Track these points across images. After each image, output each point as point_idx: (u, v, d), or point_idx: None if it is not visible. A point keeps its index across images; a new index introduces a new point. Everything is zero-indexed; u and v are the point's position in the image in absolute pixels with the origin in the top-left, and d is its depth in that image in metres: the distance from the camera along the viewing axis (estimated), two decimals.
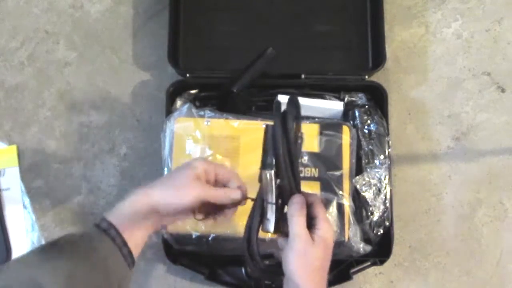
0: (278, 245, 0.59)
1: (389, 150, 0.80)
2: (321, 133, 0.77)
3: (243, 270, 0.80)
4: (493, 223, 0.85)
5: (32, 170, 0.87)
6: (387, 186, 0.78)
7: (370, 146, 0.79)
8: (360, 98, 0.83)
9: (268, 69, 0.81)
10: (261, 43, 0.81)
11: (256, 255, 0.56)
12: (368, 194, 0.77)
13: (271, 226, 0.56)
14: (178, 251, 0.78)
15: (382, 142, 0.80)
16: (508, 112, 0.89)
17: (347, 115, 0.82)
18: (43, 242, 0.85)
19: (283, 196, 0.56)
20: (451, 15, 0.92)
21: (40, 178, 0.87)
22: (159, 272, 0.84)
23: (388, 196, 0.78)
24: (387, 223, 0.78)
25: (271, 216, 0.56)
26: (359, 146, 0.79)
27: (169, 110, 0.81)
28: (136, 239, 0.55)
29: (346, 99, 0.84)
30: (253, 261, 0.57)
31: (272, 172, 0.54)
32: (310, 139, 0.77)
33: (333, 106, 0.82)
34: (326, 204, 0.75)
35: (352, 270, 0.77)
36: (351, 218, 0.75)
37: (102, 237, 0.53)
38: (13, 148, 0.88)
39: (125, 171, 0.87)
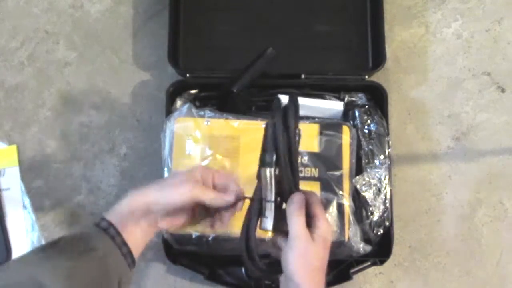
0: (276, 245, 0.59)
1: (389, 150, 0.80)
2: (321, 133, 0.77)
3: (243, 270, 0.80)
4: (493, 223, 0.85)
5: (32, 170, 0.87)
6: (387, 186, 0.78)
7: (370, 146, 0.79)
8: (360, 98, 0.83)
9: (268, 69, 0.81)
10: (261, 43, 0.81)
11: (255, 254, 0.56)
12: (368, 194, 0.77)
13: (269, 224, 0.55)
14: (178, 251, 0.78)
15: (382, 142, 0.80)
16: (508, 112, 0.89)
17: (347, 115, 0.82)
18: (43, 242, 0.85)
19: (282, 194, 0.56)
20: (451, 15, 0.92)
21: (40, 178, 0.87)
22: (159, 272, 0.84)
23: (388, 196, 0.78)
24: (387, 223, 0.78)
25: (269, 214, 0.55)
26: (359, 146, 0.79)
27: (169, 110, 0.81)
28: (136, 239, 0.55)
29: (346, 99, 0.84)
30: (251, 260, 0.57)
31: (272, 169, 0.54)
32: (310, 139, 0.77)
33: (333, 106, 0.82)
34: (326, 204, 0.75)
35: (352, 270, 0.77)
36: (351, 218, 0.75)
37: (101, 236, 0.53)
38: (13, 148, 0.88)
39: (125, 171, 0.87)
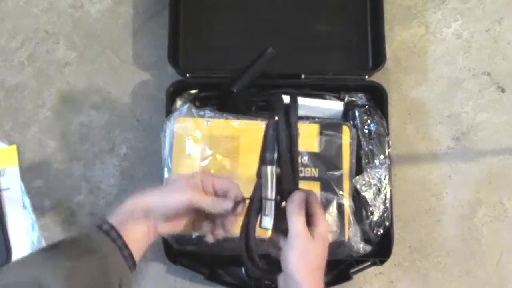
0: (275, 244, 0.59)
1: (389, 150, 0.80)
2: (321, 133, 0.77)
3: (243, 270, 0.80)
4: (493, 223, 0.85)
5: (32, 170, 0.87)
6: (387, 186, 0.78)
7: (370, 146, 0.79)
8: (360, 98, 0.83)
9: (268, 69, 0.81)
10: (261, 43, 0.81)
11: (255, 254, 0.56)
12: (368, 194, 0.77)
13: (269, 223, 0.55)
14: (178, 251, 0.78)
15: (382, 142, 0.80)
16: (508, 112, 0.89)
17: (347, 115, 0.82)
18: (43, 242, 0.85)
19: (282, 193, 0.56)
20: (451, 15, 0.92)
21: (40, 178, 0.87)
22: (159, 272, 0.84)
23: (388, 196, 0.78)
24: (387, 223, 0.77)
25: (269, 212, 0.55)
26: (359, 146, 0.79)
27: (169, 110, 0.81)
28: (137, 242, 0.56)
29: (346, 99, 0.83)
30: (251, 260, 0.57)
31: (274, 167, 0.54)
32: (310, 139, 0.77)
33: (333, 106, 0.82)
34: (326, 204, 0.74)
35: (352, 270, 0.77)
36: (351, 218, 0.75)
37: (103, 238, 0.53)
38: (13, 148, 0.88)
39: (125, 171, 0.87)
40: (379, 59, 0.84)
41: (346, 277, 0.78)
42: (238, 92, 0.80)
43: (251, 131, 0.77)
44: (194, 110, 0.78)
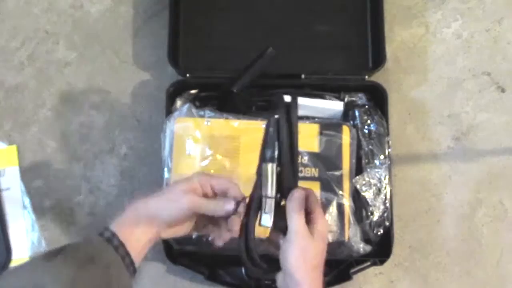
0: (274, 242, 0.59)
1: (389, 150, 0.80)
2: (321, 133, 0.77)
3: (243, 270, 0.80)
4: (493, 223, 0.85)
5: (32, 170, 0.87)
6: (387, 186, 0.78)
7: (370, 146, 0.79)
8: (360, 98, 0.83)
9: (268, 69, 0.81)
10: (261, 43, 0.81)
11: (254, 252, 0.56)
12: (368, 194, 0.77)
13: (269, 220, 0.55)
14: (178, 251, 0.78)
15: (382, 142, 0.80)
16: (508, 112, 0.89)
17: (347, 115, 0.82)
18: (43, 242, 0.85)
19: (282, 191, 0.56)
20: (451, 15, 0.92)
21: (40, 178, 0.87)
22: (159, 272, 0.84)
23: (388, 196, 0.78)
24: (387, 223, 0.77)
25: (269, 210, 0.55)
26: (359, 146, 0.79)
27: (169, 110, 0.81)
28: (138, 248, 0.56)
29: (346, 99, 0.83)
30: (250, 260, 0.57)
31: (274, 165, 0.54)
32: (310, 139, 0.77)
33: (333, 106, 0.82)
34: (326, 204, 0.75)
35: (352, 270, 0.77)
36: (351, 218, 0.75)
37: (105, 246, 0.53)
38: (13, 148, 0.88)
39: (125, 171, 0.87)
40: (379, 59, 0.84)
41: (346, 277, 0.77)
42: (238, 92, 0.80)
43: (251, 131, 0.77)
44: (194, 110, 0.78)
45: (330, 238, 0.74)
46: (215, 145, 0.76)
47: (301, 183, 0.59)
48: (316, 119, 0.80)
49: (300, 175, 0.73)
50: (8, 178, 0.86)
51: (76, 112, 0.90)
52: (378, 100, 0.83)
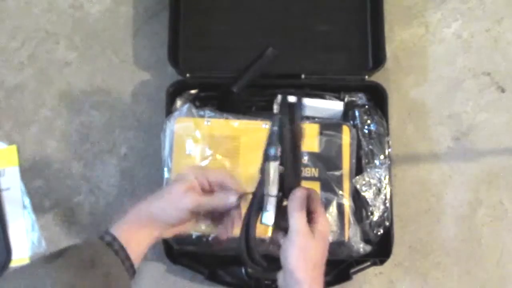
0: (274, 241, 0.58)
1: (389, 150, 0.80)
2: (321, 133, 0.77)
3: (243, 270, 0.80)
4: (493, 223, 0.85)
5: (32, 170, 0.87)
6: (387, 186, 0.78)
7: (370, 146, 0.79)
8: (360, 98, 0.83)
9: (268, 69, 0.81)
10: (261, 43, 0.81)
11: (255, 250, 0.56)
12: (368, 194, 0.77)
13: (271, 219, 0.55)
14: (178, 251, 0.78)
15: (382, 142, 0.80)
16: (508, 112, 0.89)
17: (347, 115, 0.82)
18: (43, 242, 0.85)
19: (284, 189, 0.56)
20: (451, 15, 0.92)
21: (40, 178, 0.87)
22: (159, 272, 0.84)
23: (388, 196, 0.78)
24: (387, 223, 0.78)
25: (271, 208, 0.55)
26: (359, 146, 0.79)
27: (169, 110, 0.81)
28: (138, 250, 0.56)
29: (346, 99, 0.83)
30: (250, 259, 0.56)
31: (277, 163, 0.54)
32: (310, 139, 0.77)
33: (333, 106, 0.82)
34: (326, 204, 0.75)
35: (352, 270, 0.77)
36: (351, 218, 0.75)
37: (105, 250, 0.54)
38: (13, 148, 0.88)
39: (125, 171, 0.87)
40: (379, 59, 0.84)
41: (346, 277, 0.78)
42: (238, 92, 0.80)
43: (251, 131, 0.77)
44: (194, 110, 0.78)
45: (330, 238, 0.74)
46: (215, 145, 0.76)
47: (301, 183, 0.59)
48: (316, 119, 0.80)
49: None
50: (8, 178, 0.86)
51: (76, 112, 0.90)
52: (378, 100, 0.83)
